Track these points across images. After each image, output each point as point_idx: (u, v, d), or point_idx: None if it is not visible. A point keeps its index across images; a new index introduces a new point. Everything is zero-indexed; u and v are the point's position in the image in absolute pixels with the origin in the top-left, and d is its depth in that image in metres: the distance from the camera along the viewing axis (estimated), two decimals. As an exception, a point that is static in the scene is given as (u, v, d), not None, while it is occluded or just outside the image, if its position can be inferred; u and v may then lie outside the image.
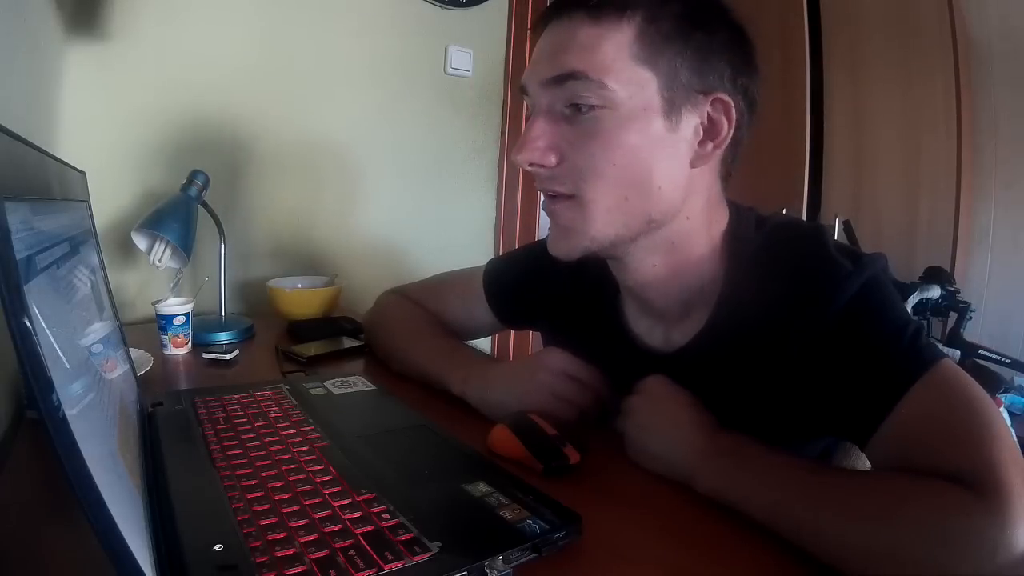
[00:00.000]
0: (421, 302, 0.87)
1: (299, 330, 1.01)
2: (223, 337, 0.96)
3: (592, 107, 0.51)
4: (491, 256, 0.87)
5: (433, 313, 0.85)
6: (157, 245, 0.99)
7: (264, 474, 0.46)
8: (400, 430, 0.60)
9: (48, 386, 0.23)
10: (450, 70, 1.52)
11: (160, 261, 0.99)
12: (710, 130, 0.54)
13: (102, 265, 0.58)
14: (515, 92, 1.64)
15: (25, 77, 0.78)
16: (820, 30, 1.86)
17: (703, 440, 0.52)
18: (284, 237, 1.32)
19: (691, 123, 0.53)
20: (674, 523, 0.47)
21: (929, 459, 0.43)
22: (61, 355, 0.28)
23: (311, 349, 0.90)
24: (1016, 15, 1.59)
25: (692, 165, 0.54)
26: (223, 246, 1.04)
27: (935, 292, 1.48)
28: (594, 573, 0.41)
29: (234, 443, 0.52)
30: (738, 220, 0.60)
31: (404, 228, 1.50)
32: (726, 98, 0.53)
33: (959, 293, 1.51)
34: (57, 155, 0.48)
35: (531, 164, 0.54)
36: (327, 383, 0.71)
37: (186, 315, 0.88)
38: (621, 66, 0.50)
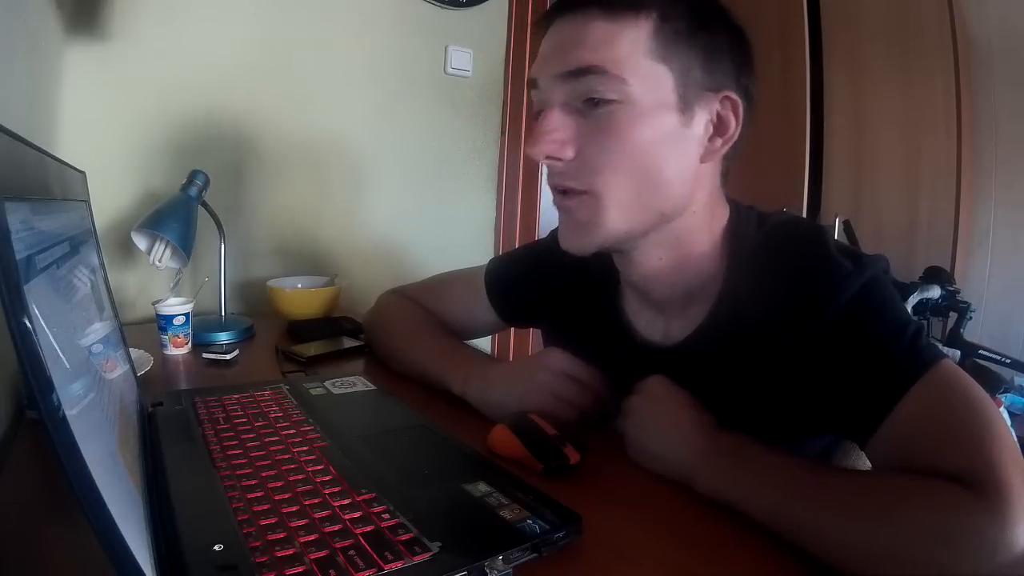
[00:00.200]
0: (421, 302, 0.87)
1: (299, 330, 1.01)
2: (223, 337, 0.96)
3: (609, 102, 0.51)
4: (491, 256, 0.87)
5: (433, 313, 0.85)
6: (157, 245, 0.99)
7: (264, 474, 0.46)
8: (400, 430, 0.60)
9: (48, 386, 0.23)
10: (450, 70, 1.52)
11: (160, 261, 0.99)
12: (719, 127, 0.55)
13: (102, 265, 0.58)
14: (515, 92, 1.64)
15: (25, 77, 0.78)
16: (820, 30, 1.86)
17: (703, 440, 0.52)
18: (284, 237, 1.32)
19: (702, 119, 0.54)
20: (674, 523, 0.47)
21: (929, 459, 0.43)
22: (61, 355, 0.28)
23: (311, 349, 0.90)
24: (1016, 15, 1.59)
25: (701, 160, 0.55)
26: (223, 246, 1.04)
27: (935, 292, 1.48)
28: (594, 573, 0.41)
29: (234, 443, 0.52)
30: (738, 217, 0.61)
31: (404, 228, 1.50)
32: (734, 96, 0.54)
33: (959, 293, 1.51)
34: (57, 155, 0.48)
35: (547, 157, 0.53)
36: (327, 383, 0.71)
37: (186, 315, 0.88)
38: (637, 62, 0.51)
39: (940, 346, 1.25)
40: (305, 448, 0.52)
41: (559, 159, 0.53)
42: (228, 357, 0.86)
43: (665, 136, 0.52)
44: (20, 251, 0.26)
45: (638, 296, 0.64)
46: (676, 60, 0.52)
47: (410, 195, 1.51)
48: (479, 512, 0.43)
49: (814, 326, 0.51)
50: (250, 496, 0.43)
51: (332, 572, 0.34)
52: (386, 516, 0.41)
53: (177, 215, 0.96)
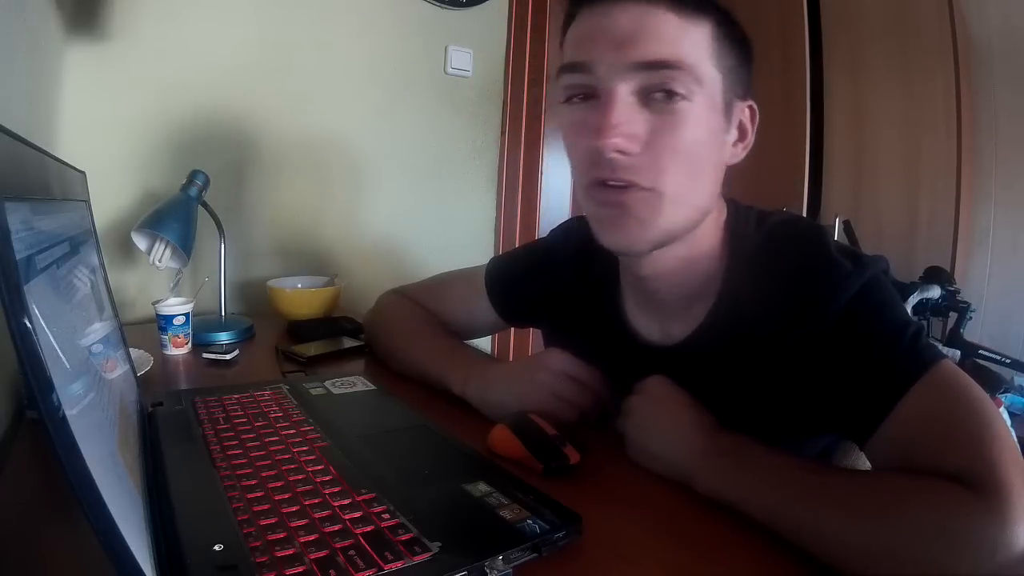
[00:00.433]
0: (421, 302, 0.87)
1: (299, 330, 1.01)
2: (223, 337, 0.96)
3: (679, 99, 0.51)
4: (491, 256, 0.87)
5: (434, 313, 0.85)
6: (157, 245, 0.99)
7: (264, 474, 0.46)
8: (400, 430, 0.60)
9: (48, 386, 0.23)
10: (450, 70, 1.52)
11: (160, 261, 0.99)
12: (739, 133, 0.57)
13: (102, 265, 0.58)
14: (515, 92, 1.64)
15: (25, 77, 0.78)
16: (820, 30, 1.86)
17: (703, 440, 0.52)
18: (284, 237, 1.32)
19: (734, 125, 0.56)
20: (674, 523, 0.47)
21: (929, 459, 0.43)
22: (61, 355, 0.28)
23: (311, 349, 0.90)
24: (1017, 15, 1.59)
25: (727, 163, 0.57)
26: (223, 246, 1.04)
27: (935, 292, 1.48)
28: (594, 573, 0.41)
29: (234, 443, 0.52)
30: (737, 216, 0.61)
31: (404, 228, 1.50)
32: (754, 105, 0.57)
33: (959, 293, 1.52)
34: (57, 155, 0.48)
35: (616, 151, 0.50)
36: (327, 383, 0.71)
37: (186, 315, 0.88)
38: (702, 62, 0.51)
39: (940, 346, 1.25)
40: (305, 448, 0.52)
41: (629, 154, 0.51)
42: (228, 357, 0.86)
43: (713, 138, 0.54)
44: (20, 251, 0.26)
45: (639, 296, 0.64)
46: (724, 65, 0.53)
47: (410, 195, 1.51)
48: (479, 512, 0.43)
49: (814, 326, 0.51)
50: (250, 496, 0.43)
51: (332, 572, 0.34)
52: (386, 516, 0.41)
53: (177, 215, 0.96)
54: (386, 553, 0.36)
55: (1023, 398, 1.51)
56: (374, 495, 0.44)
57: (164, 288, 1.13)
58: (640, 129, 0.51)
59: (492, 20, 1.59)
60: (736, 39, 0.54)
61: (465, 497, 0.45)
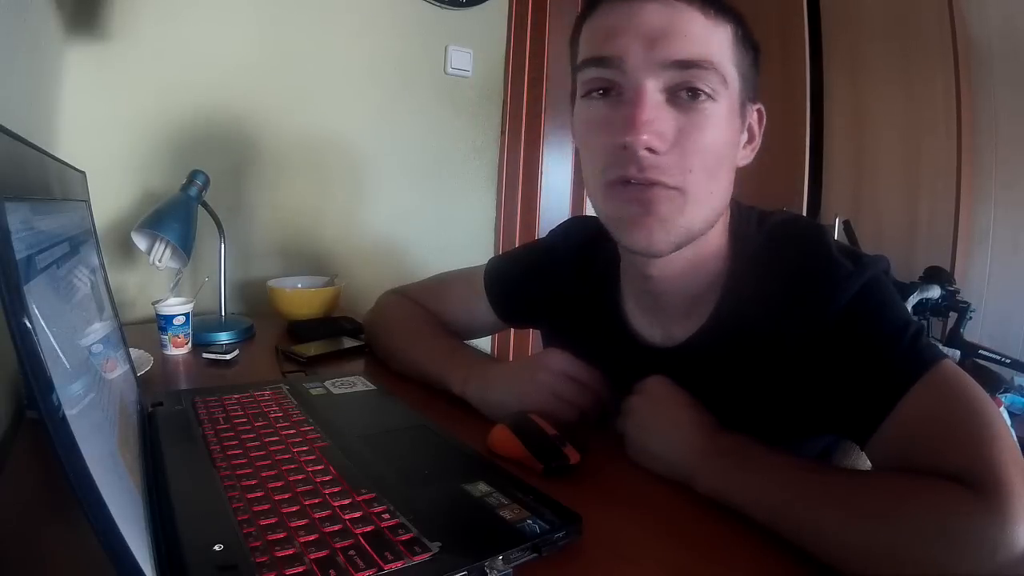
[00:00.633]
0: (421, 302, 0.87)
1: (299, 330, 1.01)
2: (223, 337, 0.96)
3: (706, 99, 0.51)
4: (491, 256, 0.87)
5: (433, 313, 0.85)
6: (157, 245, 0.99)
7: (264, 474, 0.46)
8: (400, 430, 0.60)
9: (48, 386, 0.23)
10: (450, 70, 1.52)
11: (160, 261, 0.99)
12: (749, 135, 0.58)
13: (102, 265, 0.58)
14: (515, 92, 1.64)
15: (25, 77, 0.78)
16: (820, 30, 1.86)
17: (703, 440, 0.52)
18: (284, 237, 1.32)
19: (746, 126, 0.57)
20: (674, 523, 0.47)
21: (929, 459, 0.43)
22: (61, 355, 0.28)
23: (311, 349, 0.90)
24: (1017, 15, 1.59)
25: (737, 165, 0.57)
26: (223, 246, 1.04)
27: (935, 292, 1.48)
28: (594, 573, 0.41)
29: (234, 443, 0.52)
30: (739, 217, 0.61)
31: (404, 228, 1.50)
32: (762, 108, 0.58)
33: (959, 293, 1.52)
34: (57, 155, 0.48)
35: (647, 148, 0.50)
36: (327, 383, 0.71)
37: (186, 315, 0.88)
38: (726, 62, 0.52)
39: (940, 346, 1.25)
40: (305, 448, 0.52)
41: (658, 152, 0.50)
42: (228, 357, 0.86)
43: (732, 138, 0.54)
44: (20, 251, 0.26)
45: (642, 297, 0.64)
46: (740, 69, 0.53)
47: (410, 195, 1.51)
48: (479, 512, 0.43)
49: (815, 326, 0.51)
50: (250, 496, 0.43)
51: (332, 572, 0.34)
52: (386, 516, 0.41)
53: (177, 215, 0.96)
54: (386, 553, 0.36)
55: (1023, 398, 1.51)
56: (374, 495, 0.44)
57: (164, 288, 1.13)
58: (668, 127, 0.51)
59: (492, 20, 1.59)
60: (750, 43, 0.55)
61: (465, 497, 0.45)
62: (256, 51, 1.24)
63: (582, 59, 0.54)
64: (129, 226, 1.00)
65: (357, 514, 0.41)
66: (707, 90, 0.50)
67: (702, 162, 0.51)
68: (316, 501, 0.42)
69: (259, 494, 0.43)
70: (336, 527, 0.39)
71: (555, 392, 0.61)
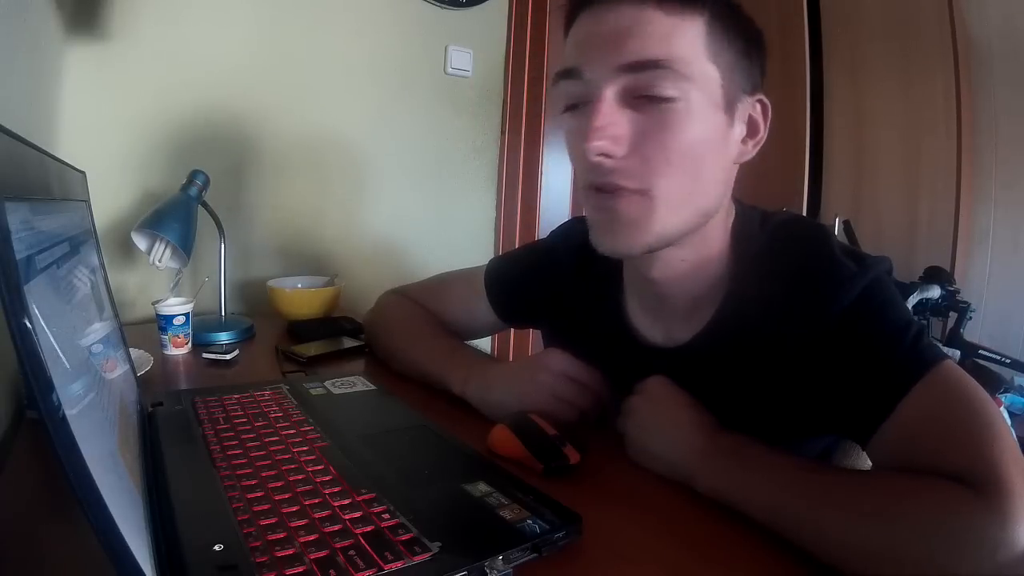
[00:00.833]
0: (421, 302, 0.87)
1: (299, 330, 1.01)
2: (223, 337, 0.96)
3: (668, 99, 0.50)
4: (491, 256, 0.87)
5: (434, 313, 0.85)
6: (157, 245, 0.99)
7: (264, 474, 0.46)
8: (400, 430, 0.60)
9: (48, 386, 0.23)
10: (450, 70, 1.52)
11: (160, 261, 0.99)
12: (750, 128, 0.55)
13: (102, 265, 0.58)
14: (515, 92, 1.64)
15: (25, 77, 0.78)
16: (820, 30, 1.86)
17: (703, 440, 0.52)
18: (284, 237, 1.32)
19: (740, 121, 0.54)
20: (674, 523, 0.47)
21: (930, 459, 0.43)
22: (61, 355, 0.28)
23: (311, 349, 0.90)
24: (1017, 15, 1.59)
25: (735, 161, 0.55)
26: (223, 246, 1.04)
27: (935, 292, 1.48)
28: (594, 573, 0.41)
29: (234, 443, 0.52)
30: (743, 217, 0.60)
31: (404, 228, 1.50)
32: (765, 99, 0.55)
33: (959, 293, 1.52)
34: (57, 155, 0.48)
35: (599, 155, 0.50)
36: (327, 383, 0.71)
37: (186, 315, 0.88)
38: (695, 59, 0.50)
39: (940, 346, 1.25)
40: (305, 448, 0.52)
41: (613, 156, 0.51)
42: (228, 357, 0.86)
43: (714, 136, 0.52)
44: (20, 251, 0.26)
45: (645, 298, 0.64)
46: (723, 60, 0.51)
47: (410, 195, 1.51)
48: (479, 512, 0.43)
49: (817, 327, 0.51)
50: (250, 496, 0.43)
51: (332, 572, 0.34)
52: (386, 516, 0.41)
53: (177, 215, 0.96)
54: (386, 553, 0.36)
55: (1023, 398, 1.51)
56: (374, 495, 0.44)
57: (164, 288, 1.13)
58: (624, 131, 0.50)
59: (492, 20, 1.59)
60: (739, 32, 0.52)
61: (465, 497, 0.45)
62: (256, 51, 1.24)
63: (556, 73, 0.55)
64: (129, 226, 1.00)
65: (357, 514, 0.41)
66: (669, 91, 0.49)
67: (671, 163, 0.51)
68: (316, 501, 0.42)
69: (259, 494, 0.43)
70: (336, 527, 0.39)
71: (555, 392, 0.61)
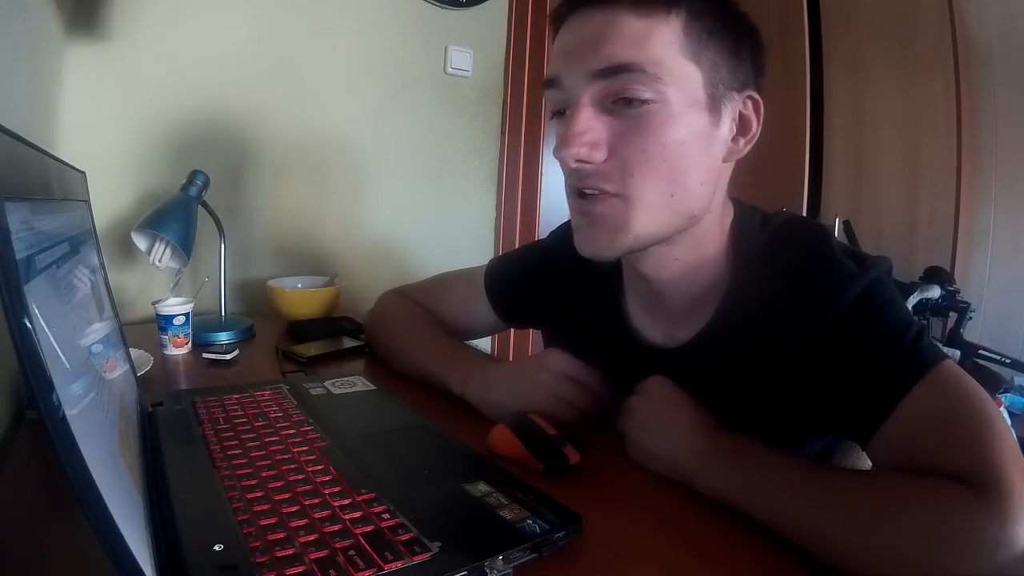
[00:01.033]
0: (421, 302, 0.87)
1: (299, 330, 1.01)
2: (223, 337, 0.96)
3: (644, 102, 0.49)
4: (491, 256, 0.87)
5: (434, 313, 0.85)
6: (157, 245, 0.99)
7: (264, 474, 0.46)
8: (400, 430, 0.60)
9: (48, 386, 0.23)
10: (450, 70, 1.52)
11: (160, 261, 0.99)
12: (741, 127, 0.55)
13: (102, 265, 0.58)
14: (515, 92, 1.64)
15: (25, 77, 0.78)
16: (820, 30, 1.86)
17: (703, 440, 0.52)
18: (284, 237, 1.32)
19: (728, 119, 0.53)
20: (674, 523, 0.47)
21: (930, 459, 0.43)
22: (61, 355, 0.28)
23: (311, 349, 0.90)
24: (1017, 15, 1.60)
25: (724, 160, 0.55)
26: (223, 246, 1.04)
27: (935, 292, 1.48)
28: (594, 573, 0.41)
29: (234, 443, 0.52)
30: (742, 217, 0.60)
31: (404, 228, 1.50)
32: (756, 96, 0.54)
33: (959, 293, 1.52)
34: (57, 155, 0.48)
35: (578, 161, 0.51)
36: (327, 383, 0.71)
37: (186, 315, 0.88)
38: (672, 60, 0.49)
39: (940, 346, 1.25)
40: (305, 448, 0.52)
41: (591, 162, 0.51)
42: (228, 357, 0.86)
43: (697, 136, 0.52)
44: (20, 251, 0.26)
45: (644, 298, 0.64)
46: (705, 59, 0.51)
47: (410, 195, 1.51)
48: (479, 512, 0.43)
49: (817, 327, 0.51)
50: (250, 496, 0.43)
51: (332, 572, 0.34)
52: (386, 516, 0.41)
53: (177, 215, 0.96)
54: (386, 553, 0.36)
55: (1023, 398, 1.51)
56: (374, 495, 0.44)
57: (164, 288, 1.13)
58: (602, 136, 0.51)
59: (492, 20, 1.59)
60: (725, 29, 0.52)
61: (465, 497, 0.45)
62: (256, 51, 1.24)
63: (542, 83, 0.56)
64: (129, 226, 1.00)
65: (357, 514, 0.41)
66: (644, 94, 0.49)
67: (648, 165, 0.50)
68: (316, 501, 0.42)
69: (259, 494, 0.43)
70: (336, 527, 0.39)
71: (555, 392, 0.61)
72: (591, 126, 0.51)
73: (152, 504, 0.39)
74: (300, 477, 0.46)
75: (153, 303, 0.88)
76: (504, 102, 1.65)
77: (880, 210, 1.77)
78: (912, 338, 0.48)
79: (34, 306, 0.25)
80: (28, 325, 0.23)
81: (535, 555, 0.40)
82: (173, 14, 1.13)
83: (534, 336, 1.70)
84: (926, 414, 0.45)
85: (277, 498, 0.42)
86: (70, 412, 0.24)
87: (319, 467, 0.48)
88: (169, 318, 0.87)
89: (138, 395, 0.58)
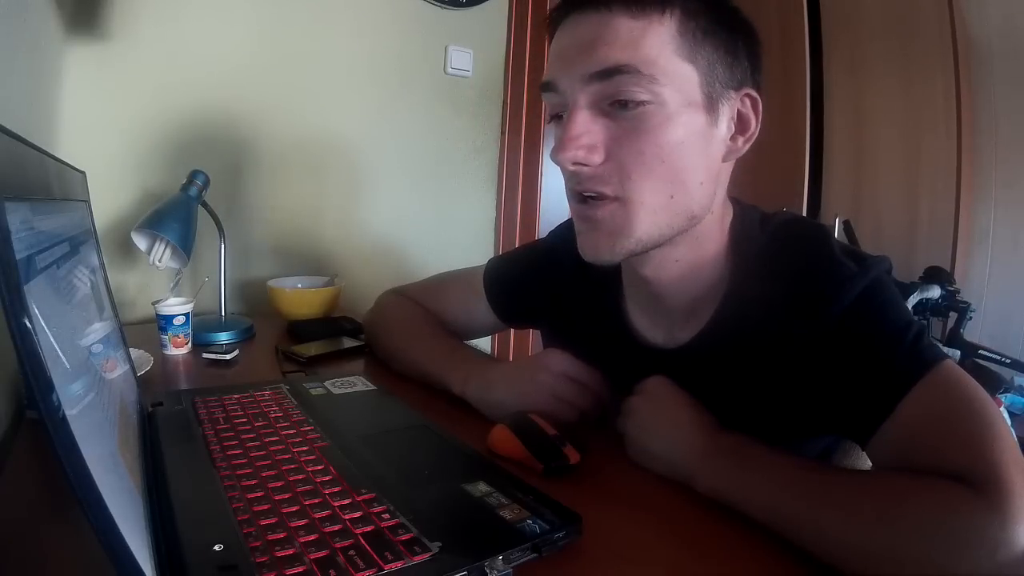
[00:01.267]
0: (421, 302, 0.87)
1: (299, 330, 1.01)
2: (223, 337, 0.96)
3: (640, 103, 0.49)
4: (491, 256, 0.87)
5: (433, 313, 0.85)
6: (157, 245, 0.99)
7: (264, 474, 0.46)
8: (400, 430, 0.60)
9: (48, 386, 0.23)
10: (450, 70, 1.52)
11: (160, 261, 0.99)
12: (740, 125, 0.54)
13: (102, 265, 0.58)
14: (515, 92, 1.64)
15: (25, 77, 0.78)
16: (820, 30, 1.86)
17: (703, 440, 0.52)
18: (284, 237, 1.32)
19: (725, 118, 0.53)
20: (674, 523, 0.47)
21: (930, 459, 0.43)
22: (61, 355, 0.28)
23: (311, 349, 0.90)
24: (1017, 15, 1.59)
25: (723, 160, 0.55)
26: (223, 246, 1.04)
27: (935, 292, 1.48)
28: (594, 573, 0.41)
29: (234, 443, 0.52)
30: (743, 217, 0.60)
31: (404, 228, 1.50)
32: (754, 94, 0.54)
33: (959, 293, 1.52)
34: (57, 155, 0.48)
35: (575, 164, 0.51)
36: (327, 383, 0.71)
37: (186, 315, 0.88)
38: (667, 61, 0.49)
39: (940, 346, 1.25)
40: (305, 448, 0.52)
41: (589, 165, 0.51)
42: (228, 357, 0.86)
43: (694, 136, 0.51)
44: (20, 251, 0.26)
45: (644, 299, 0.64)
46: (701, 58, 0.51)
47: (410, 195, 1.51)
48: (479, 512, 0.43)
49: (817, 327, 0.51)
50: (250, 496, 0.43)
51: (332, 572, 0.34)
52: (386, 516, 0.41)
53: (177, 215, 0.96)
54: (386, 553, 0.36)
55: (1023, 398, 1.51)
56: (374, 495, 0.44)
57: (164, 288, 1.13)
58: (599, 139, 0.51)
59: (492, 20, 1.59)
60: (720, 27, 0.51)
61: (465, 497, 0.45)
62: (256, 51, 1.24)
63: (539, 86, 0.56)
64: (129, 226, 1.00)
65: (357, 514, 0.41)
66: (640, 95, 0.49)
67: (646, 167, 0.50)
68: (316, 501, 0.42)
69: (259, 494, 0.43)
70: (336, 527, 0.39)
71: (555, 392, 0.61)
72: (587, 129, 0.51)
73: (152, 504, 0.39)
74: (300, 477, 0.46)
75: (153, 303, 0.88)
76: (504, 102, 1.65)
77: (880, 210, 1.77)
78: (912, 338, 0.48)
79: (34, 306, 0.25)
80: (28, 325, 0.23)
81: (535, 555, 0.40)
82: (173, 14, 1.13)
83: (534, 336, 1.70)
84: (926, 414, 0.45)
85: (277, 498, 0.43)
86: (70, 412, 0.24)
87: (319, 467, 0.48)
88: (169, 318, 0.87)
89: (138, 395, 0.58)
